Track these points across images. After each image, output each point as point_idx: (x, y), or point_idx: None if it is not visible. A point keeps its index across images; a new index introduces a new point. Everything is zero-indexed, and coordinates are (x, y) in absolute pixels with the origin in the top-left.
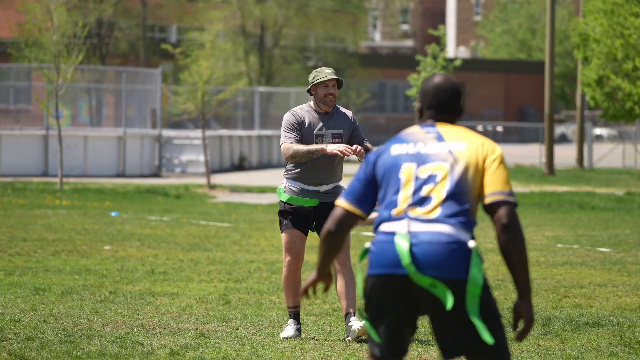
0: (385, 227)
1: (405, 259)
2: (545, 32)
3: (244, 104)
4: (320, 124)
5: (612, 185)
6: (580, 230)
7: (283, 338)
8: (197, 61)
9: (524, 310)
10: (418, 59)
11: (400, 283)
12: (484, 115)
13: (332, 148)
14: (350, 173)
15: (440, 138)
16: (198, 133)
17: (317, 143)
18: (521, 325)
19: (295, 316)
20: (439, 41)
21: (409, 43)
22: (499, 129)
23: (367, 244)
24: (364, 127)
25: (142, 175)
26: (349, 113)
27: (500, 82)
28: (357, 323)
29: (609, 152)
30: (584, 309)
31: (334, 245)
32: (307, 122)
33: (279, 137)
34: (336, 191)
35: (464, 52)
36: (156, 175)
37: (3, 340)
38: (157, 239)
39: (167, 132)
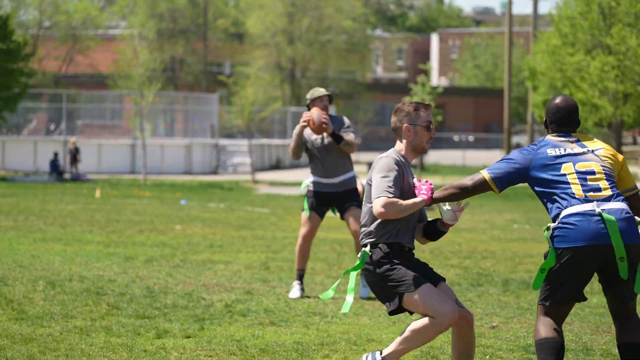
0: (575, 209)
1: (617, 232)
2: (504, 67)
3: (279, 120)
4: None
5: None
6: (531, 214)
7: (291, 298)
8: (244, 88)
9: None
10: (410, 87)
11: (601, 251)
12: (459, 129)
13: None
14: (358, 171)
15: (580, 144)
16: (245, 142)
17: (316, 144)
18: None
19: (300, 277)
20: (426, 73)
21: (403, 75)
22: (470, 138)
23: (552, 225)
24: (369, 138)
25: (203, 173)
26: (340, 118)
27: (471, 104)
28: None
29: None
30: (533, 272)
31: (458, 197)
32: (309, 131)
33: None
34: (350, 182)
35: (444, 82)
36: (214, 173)
37: (103, 295)
38: (215, 220)
39: (222, 141)
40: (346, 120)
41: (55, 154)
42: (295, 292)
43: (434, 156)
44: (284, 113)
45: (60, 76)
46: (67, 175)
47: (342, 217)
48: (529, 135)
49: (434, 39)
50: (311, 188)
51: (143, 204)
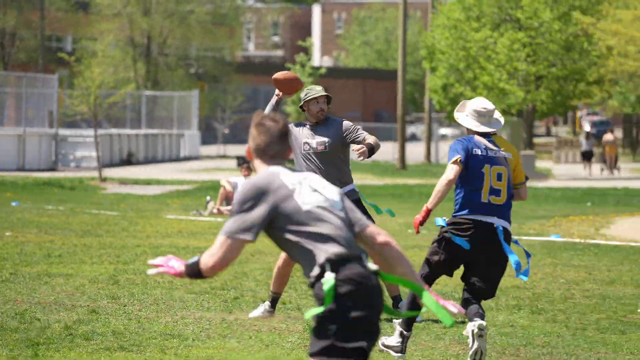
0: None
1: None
2: (398, 44)
3: (132, 106)
4: (310, 133)
5: None
6: None
7: (251, 317)
8: (90, 68)
9: None
10: (288, 67)
11: None
12: (344, 117)
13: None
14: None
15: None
16: (90, 132)
17: (304, 150)
18: None
19: (273, 301)
20: (307, 51)
21: (279, 53)
22: None
23: None
24: (239, 127)
25: (40, 169)
26: (338, 121)
27: (359, 88)
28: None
29: None
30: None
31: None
32: (297, 134)
33: (163, 135)
34: (351, 194)
35: (327, 62)
36: (53, 169)
37: None
38: (54, 226)
39: (63, 131)
40: (348, 123)
41: None
42: (257, 311)
43: None
44: (138, 98)
45: None
46: None
47: None
48: (427, 125)
49: (316, 11)
50: None
51: None
